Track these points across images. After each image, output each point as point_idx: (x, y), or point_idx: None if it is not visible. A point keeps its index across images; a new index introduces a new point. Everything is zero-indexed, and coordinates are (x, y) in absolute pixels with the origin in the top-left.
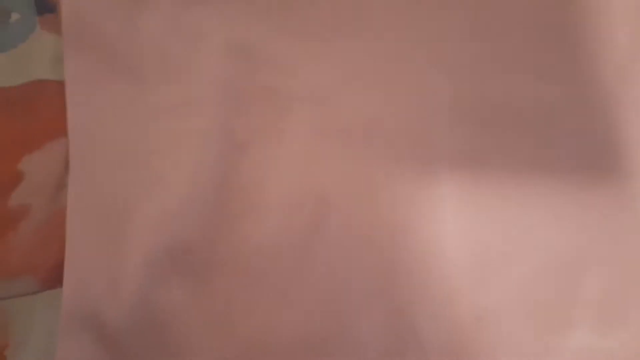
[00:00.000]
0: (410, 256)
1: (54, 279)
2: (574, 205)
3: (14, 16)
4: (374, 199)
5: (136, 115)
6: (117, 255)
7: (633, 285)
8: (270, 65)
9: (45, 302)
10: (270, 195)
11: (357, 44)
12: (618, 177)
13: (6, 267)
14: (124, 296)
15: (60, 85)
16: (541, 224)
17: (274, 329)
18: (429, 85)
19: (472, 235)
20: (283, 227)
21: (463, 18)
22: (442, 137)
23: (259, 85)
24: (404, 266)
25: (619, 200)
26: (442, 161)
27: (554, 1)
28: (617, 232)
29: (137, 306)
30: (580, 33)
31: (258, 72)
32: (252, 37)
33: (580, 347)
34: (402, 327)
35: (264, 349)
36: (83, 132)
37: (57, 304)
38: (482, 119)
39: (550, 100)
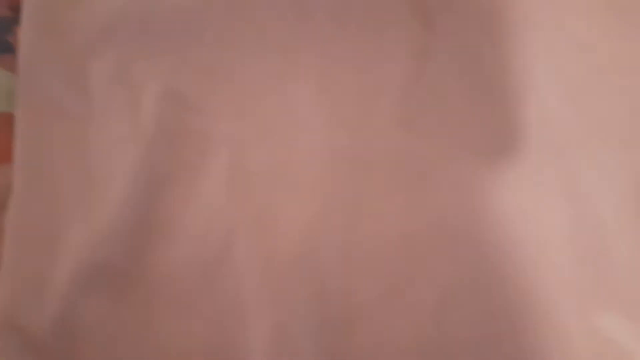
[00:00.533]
0: (300, 282)
1: None
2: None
3: None
4: (275, 232)
5: (77, 149)
6: (46, 271)
7: None
8: (197, 111)
9: None
10: (185, 224)
11: (274, 98)
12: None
13: None
14: (50, 309)
15: (11, 117)
16: None
17: (182, 337)
18: (328, 137)
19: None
20: (193, 253)
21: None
22: (330, 183)
23: (186, 128)
24: (292, 289)
25: None
26: (324, 202)
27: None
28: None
29: (61, 318)
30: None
31: (186, 116)
32: (184, 86)
33: None
34: (284, 338)
35: (174, 354)
36: (27, 161)
37: None
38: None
39: None
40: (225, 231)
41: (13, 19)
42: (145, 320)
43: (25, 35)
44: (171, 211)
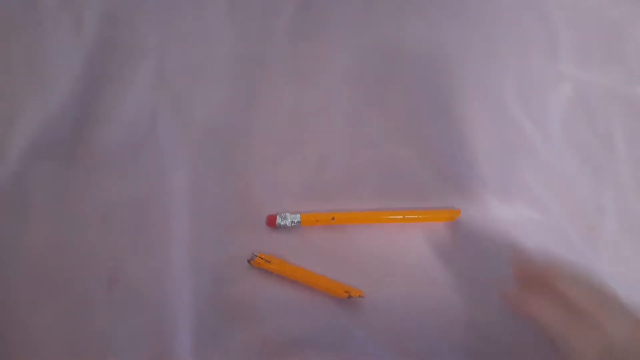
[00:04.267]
0: (211, 147)
1: None
2: None
3: None
4: (191, 112)
5: (30, 56)
6: (3, 144)
7: None
8: (130, 28)
9: None
10: (119, 112)
11: (192, 16)
12: None
13: None
14: (6, 170)
15: None
16: None
17: (115, 195)
18: (234, 45)
19: None
20: (125, 133)
21: None
22: (235, 77)
23: (121, 40)
24: (205, 152)
25: None
26: (230, 90)
27: None
28: None
29: (16, 179)
30: None
31: (121, 32)
32: (119, 9)
33: None
34: (199, 186)
35: (109, 207)
36: None
37: None
38: None
39: None
40: (151, 114)
41: None
42: (86, 183)
43: None
44: (109, 101)
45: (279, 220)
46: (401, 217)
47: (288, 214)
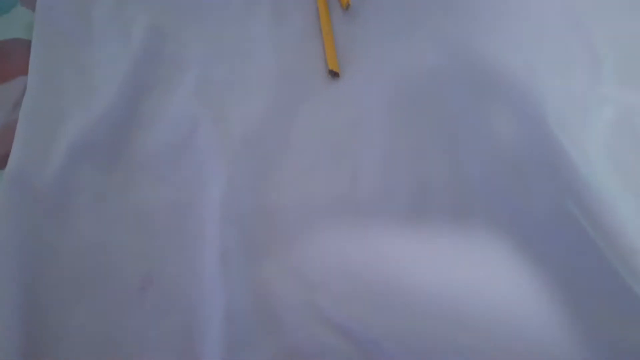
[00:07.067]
0: (248, 156)
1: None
2: None
3: None
4: (231, 122)
5: (79, 62)
6: (49, 144)
7: None
8: (174, 39)
9: None
10: (161, 117)
11: (235, 28)
12: None
13: None
14: (50, 170)
15: (29, 42)
16: None
17: (154, 197)
18: (276, 57)
19: None
20: (166, 137)
21: None
22: (275, 90)
23: (166, 51)
24: (242, 160)
25: None
26: (270, 103)
27: None
28: None
29: (59, 177)
30: None
31: (166, 43)
32: (165, 21)
33: None
34: (233, 193)
35: (147, 210)
36: (39, 69)
37: None
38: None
39: None
40: (191, 122)
41: None
42: (126, 185)
43: None
44: (151, 108)
45: None
46: None
47: None
